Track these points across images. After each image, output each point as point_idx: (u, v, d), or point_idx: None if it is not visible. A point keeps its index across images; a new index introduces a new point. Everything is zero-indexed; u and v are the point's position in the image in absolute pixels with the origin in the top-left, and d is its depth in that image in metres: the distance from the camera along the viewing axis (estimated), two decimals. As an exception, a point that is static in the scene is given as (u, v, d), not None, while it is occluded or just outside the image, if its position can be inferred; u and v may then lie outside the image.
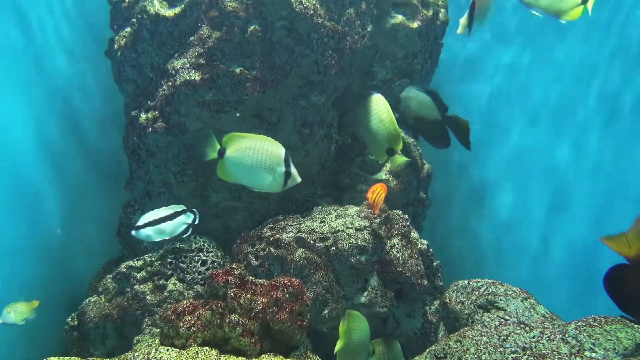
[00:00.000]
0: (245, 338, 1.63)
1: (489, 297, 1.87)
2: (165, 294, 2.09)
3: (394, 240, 2.15)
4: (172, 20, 2.17)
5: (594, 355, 1.39)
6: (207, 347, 1.61)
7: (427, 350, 1.64)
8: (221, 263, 2.20)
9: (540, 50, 2.97)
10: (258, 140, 1.91)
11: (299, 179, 1.96)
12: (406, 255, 2.13)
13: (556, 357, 1.40)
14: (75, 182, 2.50)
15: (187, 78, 2.08)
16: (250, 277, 1.84)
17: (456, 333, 1.64)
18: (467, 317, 1.86)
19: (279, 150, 1.91)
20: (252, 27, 2.08)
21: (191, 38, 2.13)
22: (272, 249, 2.05)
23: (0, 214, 2.16)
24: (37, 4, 2.42)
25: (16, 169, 2.26)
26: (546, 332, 1.51)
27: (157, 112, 2.19)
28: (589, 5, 2.04)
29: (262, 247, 2.08)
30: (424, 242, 2.29)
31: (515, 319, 1.71)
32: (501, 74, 3.00)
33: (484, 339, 1.54)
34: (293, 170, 1.93)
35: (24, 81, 2.34)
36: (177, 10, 2.17)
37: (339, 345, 1.71)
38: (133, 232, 2.09)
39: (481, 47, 3.02)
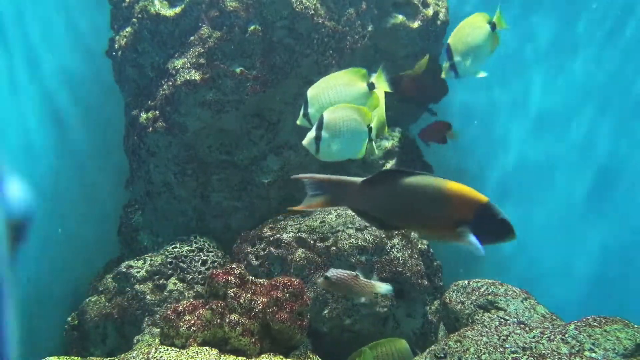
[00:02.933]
0: (245, 338, 1.63)
1: (489, 297, 1.87)
2: (165, 293, 2.09)
3: (394, 240, 2.15)
4: (172, 20, 2.17)
5: (593, 355, 1.39)
6: (207, 347, 1.61)
7: (427, 350, 1.64)
8: (221, 263, 2.20)
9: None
10: None
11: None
12: (406, 255, 2.13)
13: (556, 357, 1.40)
14: (75, 182, 2.50)
15: (188, 78, 2.08)
16: (251, 277, 1.84)
17: (456, 333, 1.64)
18: (467, 317, 1.86)
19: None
20: (252, 27, 2.08)
21: (191, 38, 2.13)
22: (272, 249, 2.05)
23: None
24: (37, 2, 2.43)
25: (16, 169, 2.26)
26: (546, 332, 1.51)
27: (157, 112, 2.19)
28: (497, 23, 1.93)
29: (262, 246, 2.08)
30: (425, 242, 2.29)
31: (515, 319, 1.71)
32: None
33: (484, 339, 1.54)
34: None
35: (21, 81, 2.34)
36: (178, 10, 2.17)
37: None
38: None
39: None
